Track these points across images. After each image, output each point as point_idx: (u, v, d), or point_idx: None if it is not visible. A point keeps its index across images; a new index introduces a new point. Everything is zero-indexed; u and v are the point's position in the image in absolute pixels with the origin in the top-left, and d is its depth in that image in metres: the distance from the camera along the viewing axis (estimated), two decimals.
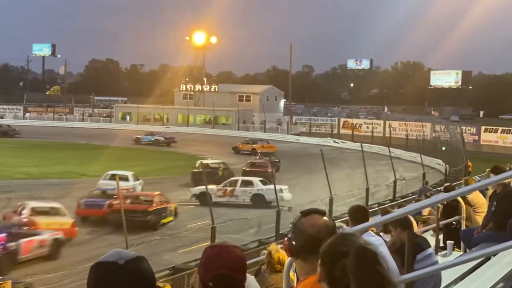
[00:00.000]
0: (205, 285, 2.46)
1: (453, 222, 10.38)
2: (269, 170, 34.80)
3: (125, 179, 32.92)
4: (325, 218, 2.87)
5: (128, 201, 27.25)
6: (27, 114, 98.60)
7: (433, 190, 23.62)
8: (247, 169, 40.61)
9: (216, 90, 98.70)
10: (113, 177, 29.93)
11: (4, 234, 20.13)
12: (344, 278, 2.25)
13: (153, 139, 65.65)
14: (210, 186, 28.58)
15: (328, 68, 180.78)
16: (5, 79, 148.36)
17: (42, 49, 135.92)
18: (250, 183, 34.25)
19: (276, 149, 56.46)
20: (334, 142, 69.59)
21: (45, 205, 25.72)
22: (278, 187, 29.78)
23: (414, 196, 28.98)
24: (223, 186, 34.11)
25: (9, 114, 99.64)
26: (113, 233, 24.56)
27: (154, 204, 27.83)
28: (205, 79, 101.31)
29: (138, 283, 2.10)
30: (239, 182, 34.37)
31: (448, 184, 18.39)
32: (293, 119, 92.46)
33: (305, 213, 2.90)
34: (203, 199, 29.41)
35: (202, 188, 29.48)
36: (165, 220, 28.52)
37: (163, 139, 66.00)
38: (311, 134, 77.21)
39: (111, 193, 27.89)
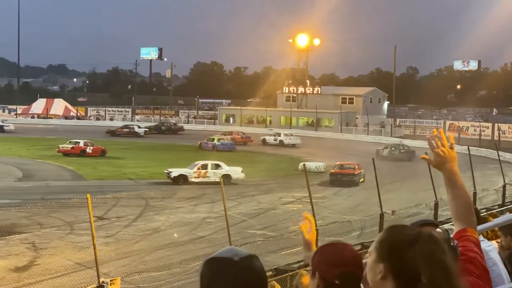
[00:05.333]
0: (329, 283, 2.43)
1: None
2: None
3: None
4: (438, 230, 2.76)
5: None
6: (136, 117, 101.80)
7: None
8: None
9: (319, 92, 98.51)
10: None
11: None
12: (414, 268, 2.14)
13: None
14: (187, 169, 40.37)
15: (433, 69, 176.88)
16: (115, 82, 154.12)
17: (149, 53, 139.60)
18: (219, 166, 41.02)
19: None
20: None
21: None
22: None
23: None
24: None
25: (118, 116, 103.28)
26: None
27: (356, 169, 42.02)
28: (308, 81, 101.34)
29: (252, 280, 2.12)
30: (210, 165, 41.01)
31: None
32: (397, 121, 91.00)
33: (418, 226, 2.75)
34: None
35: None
36: (361, 180, 41.42)
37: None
38: (415, 137, 75.61)
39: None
